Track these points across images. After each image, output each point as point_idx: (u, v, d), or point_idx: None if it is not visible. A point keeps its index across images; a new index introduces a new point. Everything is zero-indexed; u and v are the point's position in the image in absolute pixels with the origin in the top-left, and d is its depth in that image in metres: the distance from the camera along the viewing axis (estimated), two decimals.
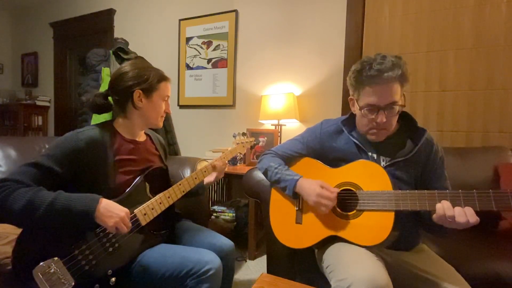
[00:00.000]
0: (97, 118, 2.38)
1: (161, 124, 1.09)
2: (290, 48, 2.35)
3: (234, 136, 1.38)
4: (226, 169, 1.28)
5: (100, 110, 1.04)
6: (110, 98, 1.04)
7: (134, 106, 1.01)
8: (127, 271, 0.92)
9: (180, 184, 1.07)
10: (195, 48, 2.75)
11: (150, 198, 0.99)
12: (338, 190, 0.95)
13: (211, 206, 2.38)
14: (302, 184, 1.01)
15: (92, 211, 0.80)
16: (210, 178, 1.26)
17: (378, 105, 0.88)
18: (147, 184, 1.02)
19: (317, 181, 0.98)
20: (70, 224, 0.80)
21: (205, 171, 1.16)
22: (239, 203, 2.40)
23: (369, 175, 0.93)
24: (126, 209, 0.86)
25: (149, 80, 1.01)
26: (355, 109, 0.99)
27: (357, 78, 0.91)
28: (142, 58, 2.67)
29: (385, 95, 0.87)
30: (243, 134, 1.42)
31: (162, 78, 1.05)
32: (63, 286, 0.76)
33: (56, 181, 0.84)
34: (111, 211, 0.83)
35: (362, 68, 0.89)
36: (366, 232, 0.90)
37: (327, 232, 0.97)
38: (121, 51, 2.58)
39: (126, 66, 1.02)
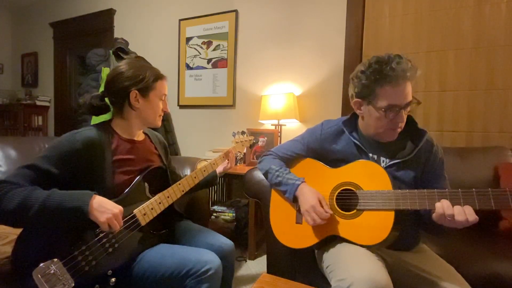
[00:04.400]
0: (97, 118, 2.38)
1: (159, 124, 1.09)
2: (290, 48, 2.35)
3: (233, 135, 1.38)
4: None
5: (97, 112, 1.04)
6: (107, 99, 1.04)
7: (131, 106, 1.00)
8: (127, 271, 0.92)
9: (179, 184, 1.07)
10: (195, 48, 2.75)
11: (150, 198, 0.99)
12: (331, 212, 0.95)
13: (211, 206, 2.38)
14: (302, 189, 1.01)
15: (85, 207, 0.79)
16: (220, 169, 1.32)
17: (399, 105, 0.87)
18: (146, 184, 1.02)
19: (317, 194, 0.98)
20: (64, 221, 0.80)
21: (204, 171, 1.17)
22: (239, 203, 2.40)
23: (369, 175, 0.93)
24: (119, 206, 0.85)
25: (145, 79, 1.00)
26: (364, 111, 0.96)
27: (375, 77, 0.87)
28: (141, 58, 2.67)
29: (406, 94, 0.87)
30: (242, 132, 1.41)
31: (158, 76, 1.04)
32: (63, 287, 0.75)
33: (54, 183, 0.84)
34: (104, 206, 0.82)
35: (381, 68, 0.86)
36: (366, 231, 0.90)
37: (327, 232, 0.97)
38: (121, 51, 2.58)
39: (122, 66, 1.01)
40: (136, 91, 0.99)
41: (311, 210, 0.94)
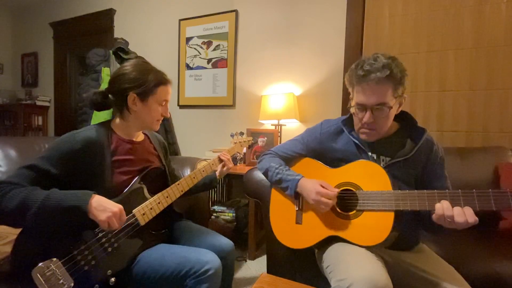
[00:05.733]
0: (97, 118, 2.38)
1: (156, 128, 1.07)
2: (290, 48, 2.35)
3: (232, 136, 1.38)
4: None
5: (98, 107, 1.03)
6: (110, 96, 1.04)
7: (127, 109, 1.00)
8: (127, 271, 0.92)
9: (178, 184, 1.07)
10: (195, 48, 2.75)
11: (149, 198, 0.99)
12: (338, 190, 0.95)
13: (211, 206, 2.38)
14: (303, 184, 1.01)
15: (84, 205, 0.79)
16: (217, 172, 1.28)
17: (365, 105, 0.90)
18: (145, 184, 1.01)
19: (318, 181, 0.98)
20: (63, 221, 0.80)
21: (203, 171, 1.16)
22: (239, 203, 2.40)
23: (369, 175, 0.93)
24: (119, 205, 0.85)
25: (145, 84, 0.98)
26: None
27: (350, 77, 0.93)
28: (141, 58, 2.67)
29: (372, 95, 0.88)
30: (241, 133, 1.41)
31: (161, 82, 1.01)
32: (62, 286, 0.75)
33: (53, 183, 0.84)
34: (103, 205, 0.82)
35: (355, 67, 0.90)
36: (366, 232, 0.90)
37: (327, 232, 0.97)
38: (121, 51, 2.58)
39: (127, 66, 1.01)
40: (135, 95, 0.98)
41: (318, 196, 0.94)
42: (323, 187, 0.96)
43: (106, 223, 0.81)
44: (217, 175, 1.28)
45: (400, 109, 0.96)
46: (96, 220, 0.81)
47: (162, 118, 1.08)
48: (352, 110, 0.96)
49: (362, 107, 0.91)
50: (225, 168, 1.26)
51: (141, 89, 0.98)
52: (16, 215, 0.76)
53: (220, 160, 1.25)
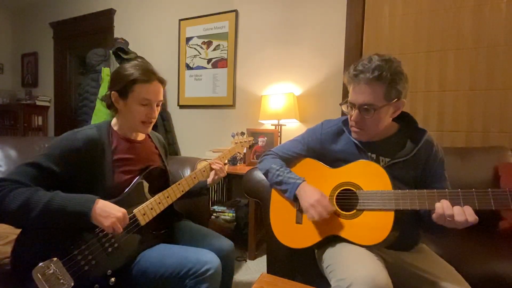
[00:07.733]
0: (97, 118, 2.39)
1: (145, 131, 1.04)
2: (290, 48, 2.35)
3: (233, 136, 1.38)
4: (226, 169, 1.25)
5: (107, 105, 1.05)
6: None
7: (113, 107, 0.99)
8: (127, 271, 0.92)
9: (179, 184, 1.07)
10: (195, 48, 2.75)
11: (149, 198, 0.99)
12: (334, 209, 0.95)
13: (211, 206, 2.38)
14: (304, 188, 1.01)
15: (88, 212, 0.80)
16: (208, 180, 1.20)
17: (353, 103, 0.91)
18: (146, 184, 1.01)
19: (319, 193, 0.98)
20: (66, 224, 0.80)
21: (204, 171, 1.16)
22: (239, 203, 2.40)
23: (369, 175, 0.93)
24: (123, 209, 0.86)
25: (122, 81, 0.95)
26: None
27: (346, 77, 0.94)
28: (141, 58, 2.67)
29: (360, 94, 0.89)
30: (242, 133, 1.41)
31: (139, 80, 0.94)
32: (62, 286, 0.75)
33: (55, 181, 0.84)
34: (107, 211, 0.83)
35: (351, 67, 0.92)
36: (366, 231, 0.90)
37: (327, 232, 0.97)
38: (121, 51, 2.59)
39: (126, 64, 1.00)
40: (116, 93, 0.97)
41: (316, 203, 0.94)
42: (321, 201, 0.95)
43: (111, 228, 0.82)
44: (208, 182, 1.20)
45: (397, 113, 0.95)
46: (100, 226, 0.82)
47: (152, 121, 1.01)
48: (344, 107, 0.97)
49: (352, 106, 0.93)
50: (216, 177, 1.18)
51: (119, 86, 0.96)
52: (18, 215, 0.76)
53: (212, 169, 1.18)
